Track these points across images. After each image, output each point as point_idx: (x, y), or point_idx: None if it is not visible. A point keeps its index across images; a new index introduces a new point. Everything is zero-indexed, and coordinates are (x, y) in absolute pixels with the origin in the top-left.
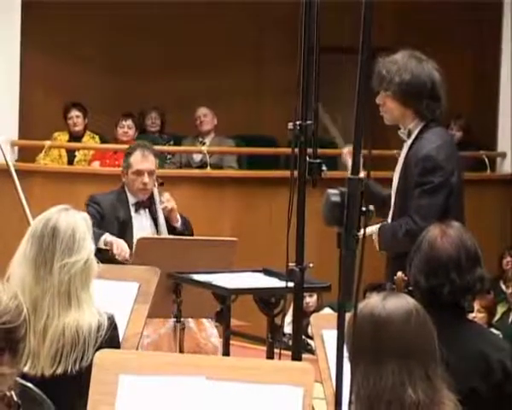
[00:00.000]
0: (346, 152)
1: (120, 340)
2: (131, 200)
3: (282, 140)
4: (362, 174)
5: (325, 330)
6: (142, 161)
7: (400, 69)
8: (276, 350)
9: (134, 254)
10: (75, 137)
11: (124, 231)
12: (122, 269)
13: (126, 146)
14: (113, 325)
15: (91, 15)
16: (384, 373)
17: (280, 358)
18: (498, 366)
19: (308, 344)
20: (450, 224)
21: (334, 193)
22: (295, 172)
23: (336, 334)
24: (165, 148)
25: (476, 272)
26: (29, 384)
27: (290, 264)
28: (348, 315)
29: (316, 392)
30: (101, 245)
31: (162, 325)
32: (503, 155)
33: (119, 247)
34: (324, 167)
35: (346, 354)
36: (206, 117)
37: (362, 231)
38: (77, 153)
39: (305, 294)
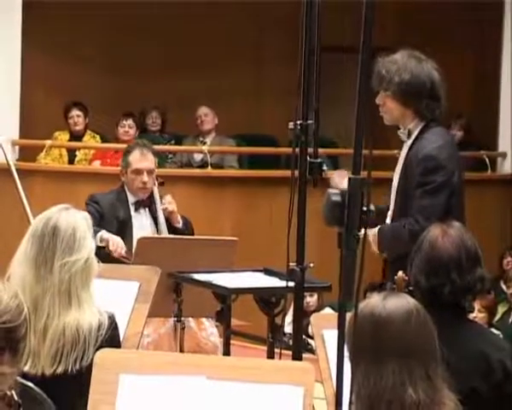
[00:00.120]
0: (335, 175)
1: (121, 339)
2: (131, 199)
3: (282, 140)
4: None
5: (326, 330)
6: (141, 159)
7: (400, 69)
8: (277, 350)
9: (134, 254)
10: (76, 136)
11: (123, 230)
12: (123, 268)
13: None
14: (113, 325)
15: (92, 15)
16: (384, 373)
17: (280, 358)
18: (499, 365)
19: (308, 344)
20: (450, 224)
21: (334, 193)
22: (296, 172)
23: (337, 334)
24: (166, 147)
25: (477, 272)
26: (29, 384)
27: (291, 264)
28: (349, 315)
29: (316, 392)
30: (98, 242)
31: (162, 325)
32: (504, 155)
33: (115, 243)
34: (325, 167)
35: (346, 353)
36: (206, 116)
37: (362, 231)
38: (77, 152)
39: (305, 293)
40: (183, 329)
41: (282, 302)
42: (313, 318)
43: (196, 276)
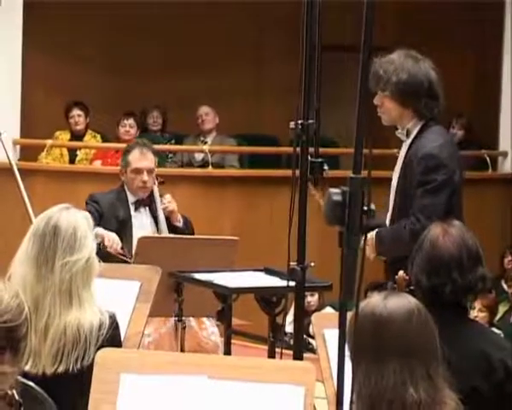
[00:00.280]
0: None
1: (122, 339)
2: (131, 198)
3: (283, 139)
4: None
5: (326, 330)
6: (141, 159)
7: (397, 69)
8: (278, 349)
9: (135, 254)
10: (77, 136)
11: (123, 229)
12: (123, 268)
13: None
14: (114, 324)
15: (92, 15)
16: (385, 372)
17: (281, 357)
18: (500, 365)
19: (309, 343)
20: (451, 223)
21: (335, 192)
22: (297, 172)
23: (338, 333)
24: (167, 147)
25: (478, 271)
26: (30, 383)
27: (291, 263)
28: (350, 314)
29: (317, 391)
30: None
31: (163, 324)
32: (505, 155)
33: (111, 239)
34: (326, 166)
35: (347, 353)
36: (207, 116)
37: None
38: (78, 152)
39: (306, 293)
40: (183, 328)
41: (282, 302)
42: (314, 317)
43: (197, 275)
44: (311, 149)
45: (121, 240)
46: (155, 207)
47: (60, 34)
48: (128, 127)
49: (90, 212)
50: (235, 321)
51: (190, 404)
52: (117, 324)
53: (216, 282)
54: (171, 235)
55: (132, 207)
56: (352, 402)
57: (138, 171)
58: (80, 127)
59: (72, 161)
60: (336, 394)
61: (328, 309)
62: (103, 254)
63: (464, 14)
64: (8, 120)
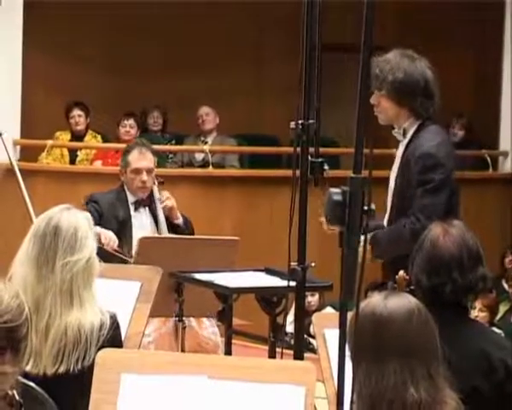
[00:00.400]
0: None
1: (122, 339)
2: (131, 199)
3: (283, 139)
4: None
5: (327, 330)
6: (140, 159)
7: (393, 68)
8: (278, 349)
9: (136, 254)
10: (77, 136)
11: (123, 229)
12: (124, 268)
13: None
14: (115, 324)
15: (92, 15)
16: (386, 372)
17: (282, 357)
18: (500, 364)
19: (310, 343)
20: (452, 223)
21: (336, 192)
22: (297, 172)
23: (338, 333)
24: (167, 147)
25: (478, 270)
26: (31, 383)
27: (292, 263)
28: (350, 314)
29: (318, 391)
30: None
31: (163, 325)
32: (505, 154)
33: (107, 237)
34: (326, 166)
35: (347, 353)
36: (208, 116)
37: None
38: (79, 152)
39: (306, 293)
40: (184, 328)
41: (283, 302)
42: (315, 317)
43: (198, 275)
44: (312, 149)
45: (121, 240)
46: (155, 207)
47: (60, 34)
48: (128, 127)
49: (89, 212)
50: (235, 321)
51: (191, 404)
52: (118, 324)
53: (216, 282)
54: (172, 235)
55: (132, 208)
56: (352, 402)
57: (138, 171)
58: (81, 127)
59: (72, 161)
60: (337, 394)
61: (329, 309)
62: (104, 255)
63: (464, 14)
64: (8, 120)
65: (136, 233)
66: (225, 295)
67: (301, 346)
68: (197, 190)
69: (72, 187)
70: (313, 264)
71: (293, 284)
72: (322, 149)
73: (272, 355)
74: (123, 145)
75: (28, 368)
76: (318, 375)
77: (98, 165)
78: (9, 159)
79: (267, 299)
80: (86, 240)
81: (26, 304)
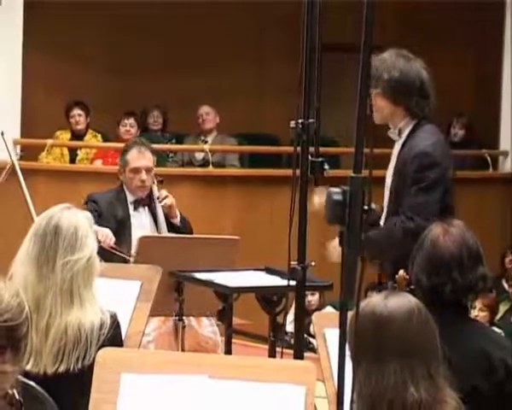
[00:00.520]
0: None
1: (123, 338)
2: (130, 198)
3: (284, 138)
4: None
5: (327, 329)
6: (139, 158)
7: (389, 67)
8: (278, 349)
9: (136, 253)
10: (77, 135)
11: (122, 229)
12: (124, 267)
13: None
14: (115, 324)
15: (92, 15)
16: (386, 372)
17: (282, 356)
18: (500, 364)
19: (310, 343)
20: (452, 222)
21: (336, 192)
22: (297, 171)
23: (338, 332)
24: (168, 146)
25: (478, 270)
26: (31, 383)
27: (292, 262)
28: (350, 314)
29: (318, 391)
30: None
31: (163, 324)
32: (506, 154)
33: (104, 234)
34: (326, 166)
35: (347, 352)
36: (208, 115)
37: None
38: (79, 151)
39: (307, 292)
40: (183, 328)
41: (283, 301)
42: (315, 316)
43: (198, 275)
44: (312, 149)
45: (120, 240)
46: (154, 206)
47: (60, 34)
48: (129, 127)
49: (89, 211)
50: (235, 320)
51: (191, 404)
52: (118, 323)
53: (216, 281)
54: (172, 234)
55: (131, 207)
56: (352, 402)
57: (136, 170)
58: (81, 127)
59: (72, 160)
60: (337, 393)
61: (329, 309)
62: (104, 254)
63: (464, 14)
64: (8, 119)
65: (136, 233)
66: (225, 295)
67: (301, 345)
68: (197, 190)
69: (73, 186)
70: (313, 263)
71: (293, 283)
72: (322, 149)
73: (272, 355)
74: (123, 144)
75: (28, 367)
76: (318, 374)
77: (98, 164)
78: (11, 158)
79: (267, 298)
80: (87, 239)
81: (27, 303)
